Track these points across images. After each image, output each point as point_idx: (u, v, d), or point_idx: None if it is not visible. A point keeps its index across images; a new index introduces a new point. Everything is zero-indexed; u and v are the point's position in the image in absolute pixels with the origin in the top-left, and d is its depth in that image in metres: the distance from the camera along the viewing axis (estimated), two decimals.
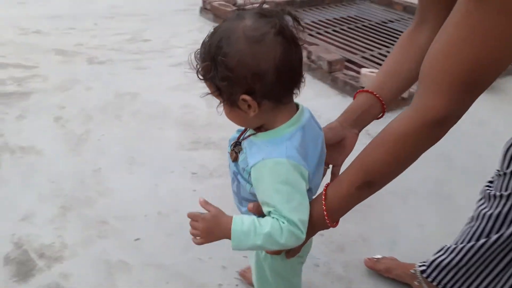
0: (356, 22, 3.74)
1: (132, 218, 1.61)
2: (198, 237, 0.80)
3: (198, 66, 0.73)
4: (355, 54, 3.01)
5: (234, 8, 0.83)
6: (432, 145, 0.70)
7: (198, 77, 0.73)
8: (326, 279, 1.40)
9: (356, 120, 0.94)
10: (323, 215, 0.78)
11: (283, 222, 0.72)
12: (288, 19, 0.71)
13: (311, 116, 0.81)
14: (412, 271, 1.33)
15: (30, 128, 2.17)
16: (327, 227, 0.80)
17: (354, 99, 0.97)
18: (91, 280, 1.36)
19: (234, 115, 0.76)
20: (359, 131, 0.95)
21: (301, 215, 0.74)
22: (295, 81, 0.74)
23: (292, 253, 0.86)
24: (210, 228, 0.78)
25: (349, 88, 2.56)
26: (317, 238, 1.51)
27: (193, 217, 0.79)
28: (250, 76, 0.68)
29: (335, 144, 0.93)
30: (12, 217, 1.59)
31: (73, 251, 1.46)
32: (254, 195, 0.79)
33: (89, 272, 1.38)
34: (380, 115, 0.96)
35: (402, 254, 1.46)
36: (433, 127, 0.66)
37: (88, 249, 1.47)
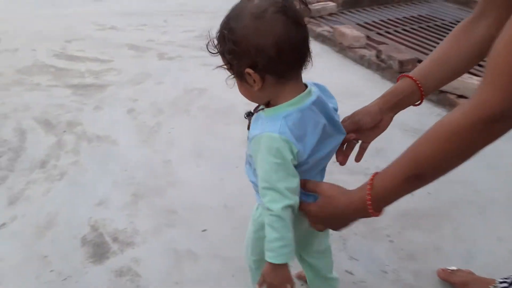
0: (428, 22, 3.56)
1: (199, 209, 1.65)
2: None
3: (209, 41, 0.79)
4: (427, 54, 2.87)
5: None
6: (489, 143, 0.64)
7: (209, 50, 0.80)
8: (394, 287, 1.35)
9: (396, 104, 0.94)
10: (366, 203, 0.76)
11: (267, 216, 0.79)
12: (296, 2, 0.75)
13: (319, 101, 0.81)
14: (491, 287, 1.23)
15: (106, 118, 2.30)
16: (369, 215, 0.78)
17: (397, 81, 0.97)
18: (161, 267, 1.40)
19: (243, 90, 0.82)
20: (395, 114, 0.95)
21: (288, 183, 0.78)
22: (297, 59, 0.76)
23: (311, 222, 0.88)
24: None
25: None
26: (386, 244, 1.48)
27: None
28: (252, 50, 0.73)
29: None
30: (90, 201, 1.69)
31: (144, 237, 1.52)
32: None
33: (158, 259, 1.43)
34: (418, 102, 0.95)
35: (479, 268, 1.36)
36: (490, 122, 0.61)
37: (157, 236, 1.52)
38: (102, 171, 1.87)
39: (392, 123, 0.94)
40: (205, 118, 2.33)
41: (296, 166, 0.80)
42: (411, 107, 0.96)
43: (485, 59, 0.66)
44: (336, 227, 0.88)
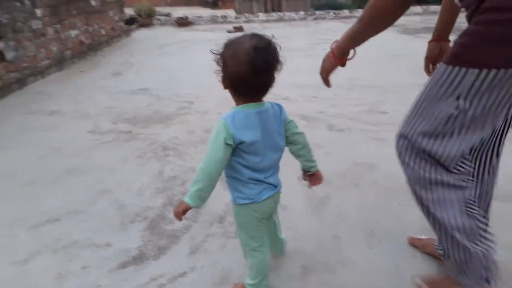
0: None
1: None
2: None
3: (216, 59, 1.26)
4: None
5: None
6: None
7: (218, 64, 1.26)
8: None
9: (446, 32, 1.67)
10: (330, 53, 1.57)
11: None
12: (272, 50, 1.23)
13: (270, 115, 1.31)
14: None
15: None
16: (332, 61, 1.58)
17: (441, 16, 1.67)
18: None
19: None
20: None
21: (207, 151, 1.24)
22: (248, 93, 1.26)
23: None
24: None
25: None
26: None
27: None
28: (228, 75, 1.23)
29: None
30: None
31: None
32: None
33: None
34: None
35: None
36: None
37: None
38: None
39: None
40: (377, 195, 2.22)
41: (243, 148, 1.26)
42: None
43: None
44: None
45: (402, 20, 6.18)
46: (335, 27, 8.21)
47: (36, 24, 4.71)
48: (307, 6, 12.79)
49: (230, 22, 9.41)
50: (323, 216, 2.04)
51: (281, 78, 4.60)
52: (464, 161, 1.30)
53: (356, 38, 1.51)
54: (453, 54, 1.18)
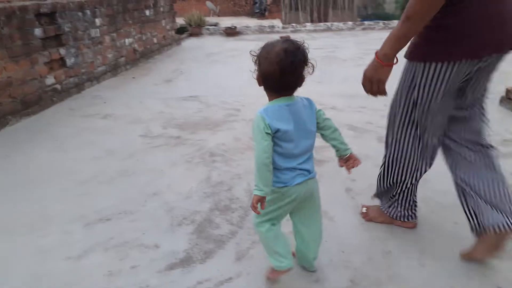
0: None
1: None
2: None
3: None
4: None
5: None
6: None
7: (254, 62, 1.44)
8: None
9: None
10: (375, 59, 1.56)
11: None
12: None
13: (302, 108, 1.45)
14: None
15: (325, 192, 2.33)
16: (381, 66, 1.54)
17: None
18: None
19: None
20: None
21: (255, 145, 1.40)
22: (278, 89, 1.43)
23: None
24: None
25: None
26: None
27: None
28: (261, 73, 1.41)
29: None
30: (307, 277, 1.68)
31: None
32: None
33: None
34: None
35: None
36: None
37: None
38: (321, 247, 1.86)
39: None
40: (429, 211, 2.13)
41: (278, 136, 1.41)
42: None
43: None
44: (366, 73, 1.62)
45: None
46: (384, 37, 8.03)
47: (94, 33, 4.97)
48: (353, 17, 12.61)
49: (277, 32, 9.46)
50: (373, 230, 1.98)
51: (328, 87, 4.59)
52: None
53: (405, 40, 1.50)
54: (407, 50, 1.64)
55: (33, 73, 3.90)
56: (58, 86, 4.27)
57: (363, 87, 1.66)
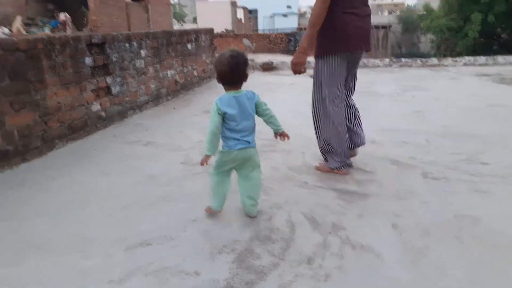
0: None
1: None
2: None
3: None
4: None
5: None
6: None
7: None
8: None
9: None
10: (297, 50, 2.72)
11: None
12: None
13: (245, 99, 2.19)
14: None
15: (369, 228, 2.26)
16: (300, 54, 2.68)
17: None
18: None
19: None
20: None
21: (213, 120, 2.15)
22: (229, 83, 2.18)
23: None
24: None
25: None
26: None
27: None
28: (217, 73, 2.18)
29: None
30: None
31: None
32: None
33: None
34: None
35: None
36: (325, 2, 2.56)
37: None
38: (367, 284, 1.77)
39: None
40: (482, 252, 2.00)
41: (227, 116, 2.14)
42: None
43: None
44: (293, 60, 2.73)
45: (497, 69, 6.06)
46: (423, 74, 7.95)
47: (139, 63, 5.18)
48: (387, 56, 12.65)
49: (312, 68, 9.60)
50: (422, 268, 1.87)
51: (366, 121, 4.54)
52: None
53: (312, 38, 2.69)
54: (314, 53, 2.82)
55: (81, 99, 4.08)
56: (102, 113, 4.44)
57: (292, 70, 2.77)
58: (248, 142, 2.22)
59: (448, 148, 3.49)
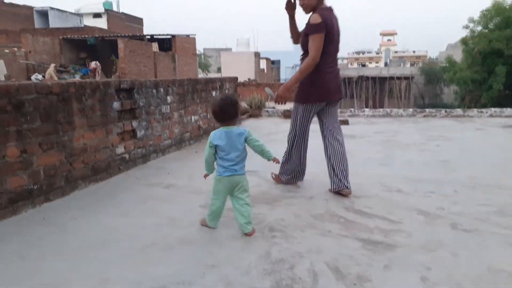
0: None
1: None
2: None
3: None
4: None
5: None
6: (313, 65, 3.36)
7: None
8: None
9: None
10: (284, 86, 3.54)
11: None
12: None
13: (234, 134, 2.67)
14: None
15: (396, 281, 2.13)
16: (287, 90, 3.48)
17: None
18: None
19: None
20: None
21: (207, 152, 2.75)
22: (221, 120, 2.69)
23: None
24: None
25: None
26: None
27: None
28: (212, 113, 2.77)
29: None
30: None
31: None
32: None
33: None
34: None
35: None
36: (314, 61, 3.35)
37: None
38: None
39: None
40: None
41: (218, 147, 2.67)
42: None
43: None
44: (279, 93, 3.52)
45: None
46: (448, 124, 7.85)
47: (165, 109, 5.31)
48: (410, 106, 12.63)
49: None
50: None
51: (391, 170, 4.47)
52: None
53: (298, 81, 3.49)
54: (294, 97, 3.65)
55: (106, 142, 4.17)
56: (126, 156, 4.50)
57: (276, 100, 3.55)
58: (235, 170, 2.67)
59: (477, 199, 3.35)
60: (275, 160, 2.87)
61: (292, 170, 3.80)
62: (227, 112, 2.65)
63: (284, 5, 3.59)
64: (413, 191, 3.63)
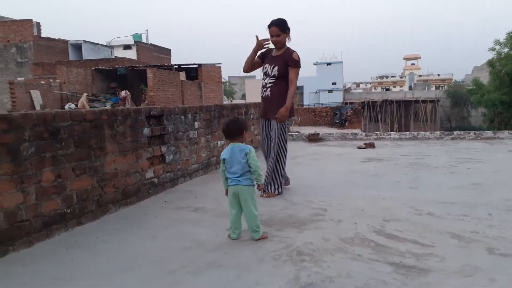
0: None
1: None
2: None
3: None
4: None
5: None
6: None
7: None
8: None
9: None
10: (284, 108, 4.33)
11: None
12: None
13: (237, 149, 3.06)
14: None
15: None
16: (287, 110, 4.32)
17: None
18: None
19: None
20: None
21: (221, 166, 3.13)
22: (228, 137, 3.16)
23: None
24: None
25: None
26: None
27: None
28: (222, 131, 3.29)
29: None
30: None
31: None
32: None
33: None
34: None
35: None
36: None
37: None
38: None
39: None
40: None
41: (225, 161, 3.08)
42: None
43: None
44: (283, 112, 4.33)
45: None
46: (478, 147, 7.65)
47: (193, 134, 5.42)
48: (436, 129, 12.40)
49: (360, 139, 9.50)
50: None
51: (421, 193, 4.38)
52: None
53: (292, 102, 4.48)
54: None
55: (136, 166, 4.27)
56: (155, 180, 4.59)
57: (279, 119, 4.31)
58: (239, 181, 3.01)
59: None
60: (260, 186, 3.15)
61: (282, 180, 4.53)
62: (232, 130, 3.09)
63: (256, 44, 4.43)
64: (445, 214, 3.53)
